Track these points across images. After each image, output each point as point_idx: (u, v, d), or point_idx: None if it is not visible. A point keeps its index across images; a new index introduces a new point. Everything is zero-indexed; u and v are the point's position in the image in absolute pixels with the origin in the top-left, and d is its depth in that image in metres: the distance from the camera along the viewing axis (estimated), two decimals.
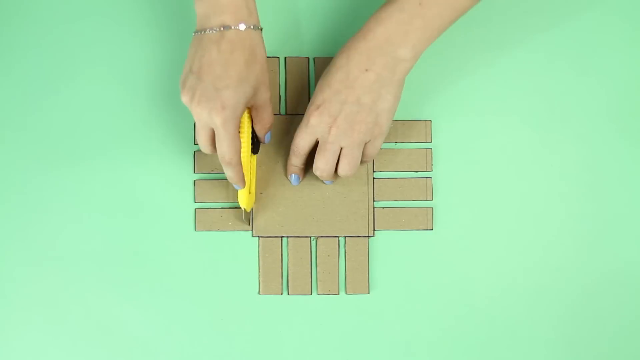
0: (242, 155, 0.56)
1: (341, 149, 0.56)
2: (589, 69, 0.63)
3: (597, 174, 0.63)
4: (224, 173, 0.62)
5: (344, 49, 0.55)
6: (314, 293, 0.63)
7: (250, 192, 0.60)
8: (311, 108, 0.56)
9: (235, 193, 0.63)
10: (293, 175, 0.61)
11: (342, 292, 0.63)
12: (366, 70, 0.54)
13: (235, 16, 0.52)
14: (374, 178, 0.63)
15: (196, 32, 0.53)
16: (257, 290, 0.63)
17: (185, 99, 0.54)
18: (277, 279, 0.63)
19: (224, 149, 0.54)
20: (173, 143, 0.63)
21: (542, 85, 0.63)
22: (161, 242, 0.63)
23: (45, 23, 0.63)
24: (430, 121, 0.63)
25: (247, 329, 0.63)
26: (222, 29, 0.52)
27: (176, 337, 0.63)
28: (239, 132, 0.55)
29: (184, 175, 0.63)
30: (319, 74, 0.63)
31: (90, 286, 0.63)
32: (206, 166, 0.63)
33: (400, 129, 0.63)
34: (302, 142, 0.58)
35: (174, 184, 0.63)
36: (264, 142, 0.60)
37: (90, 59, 0.63)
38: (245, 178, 0.58)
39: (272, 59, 0.63)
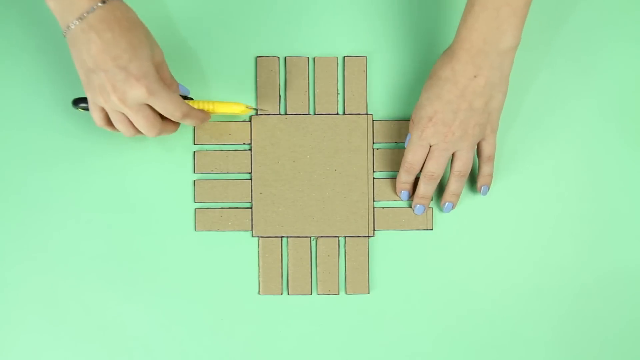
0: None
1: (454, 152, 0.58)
2: (589, 69, 0.63)
3: (597, 173, 0.63)
4: (224, 173, 0.63)
5: (445, 62, 0.55)
6: (314, 293, 0.63)
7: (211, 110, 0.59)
8: (423, 121, 0.56)
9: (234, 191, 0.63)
10: (404, 192, 0.61)
11: (342, 292, 0.63)
12: (475, 76, 0.54)
13: None
14: (374, 178, 0.63)
15: (64, 32, 0.52)
16: (257, 290, 0.63)
17: (101, 99, 0.52)
18: (277, 279, 0.63)
19: (172, 109, 0.54)
20: (173, 143, 0.63)
21: (541, 85, 0.63)
22: (161, 242, 0.63)
23: (45, 22, 0.63)
24: None
25: (247, 329, 0.63)
26: (86, 14, 0.50)
27: (176, 337, 0.63)
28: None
29: (184, 175, 0.63)
30: (319, 74, 0.63)
31: (90, 285, 0.63)
32: (206, 166, 0.63)
33: (401, 129, 0.63)
34: (415, 157, 0.58)
35: (174, 184, 0.63)
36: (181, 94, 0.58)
37: None
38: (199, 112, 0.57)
39: (271, 58, 0.63)
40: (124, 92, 0.52)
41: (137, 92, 0.52)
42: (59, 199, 0.63)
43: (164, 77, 0.56)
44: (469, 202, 0.63)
